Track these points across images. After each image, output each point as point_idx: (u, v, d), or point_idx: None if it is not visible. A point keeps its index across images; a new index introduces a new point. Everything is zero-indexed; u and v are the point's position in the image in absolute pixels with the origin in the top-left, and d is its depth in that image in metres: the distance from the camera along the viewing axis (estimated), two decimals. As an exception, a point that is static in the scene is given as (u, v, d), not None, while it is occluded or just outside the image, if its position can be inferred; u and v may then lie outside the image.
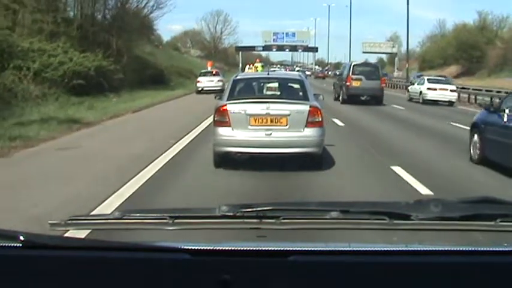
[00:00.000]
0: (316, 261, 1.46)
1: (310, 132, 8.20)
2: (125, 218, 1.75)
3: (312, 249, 1.54)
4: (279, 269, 1.43)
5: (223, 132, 8.27)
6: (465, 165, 9.24)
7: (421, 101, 26.75)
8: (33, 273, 1.44)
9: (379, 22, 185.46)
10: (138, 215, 1.81)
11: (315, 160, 8.38)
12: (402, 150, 11.05)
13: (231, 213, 1.69)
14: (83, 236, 1.73)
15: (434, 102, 25.56)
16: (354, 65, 25.45)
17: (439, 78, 30.42)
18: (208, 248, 1.50)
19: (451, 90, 26.59)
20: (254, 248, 1.52)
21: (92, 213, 5.18)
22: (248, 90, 9.25)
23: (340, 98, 24.80)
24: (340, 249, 1.58)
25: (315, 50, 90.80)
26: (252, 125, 8.21)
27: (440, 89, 26.41)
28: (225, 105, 8.39)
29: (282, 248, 1.52)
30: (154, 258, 1.47)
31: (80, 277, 1.43)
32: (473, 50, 62.06)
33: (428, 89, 26.62)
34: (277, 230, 1.68)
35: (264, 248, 1.53)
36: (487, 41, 62.75)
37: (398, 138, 13.29)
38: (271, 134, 8.17)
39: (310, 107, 8.30)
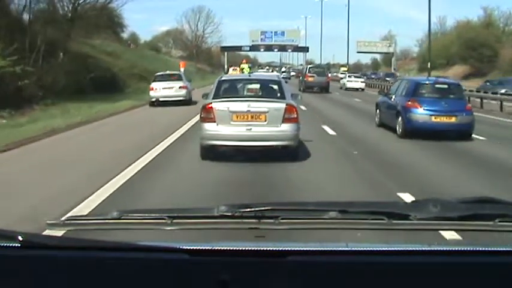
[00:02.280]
0: (315, 261, 1.55)
1: (286, 127, 9.99)
2: (123, 218, 1.86)
3: (311, 249, 1.64)
4: (278, 269, 1.52)
5: (209, 127, 10.06)
6: (371, 127, 17.05)
7: (344, 88, 47.97)
8: (31, 273, 1.53)
9: (369, 23, 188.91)
10: (136, 215, 1.93)
11: (291, 152, 10.16)
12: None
13: (230, 213, 1.79)
14: (81, 236, 1.79)
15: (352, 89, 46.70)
16: (309, 67, 45.33)
17: (355, 74, 54.72)
18: (207, 248, 1.61)
19: (361, 82, 49.09)
20: (253, 248, 1.62)
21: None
22: (231, 90, 11.08)
23: (301, 88, 39.37)
24: (339, 249, 1.69)
25: (305, 50, 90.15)
26: (234, 121, 9.99)
27: (355, 81, 49.13)
28: (211, 103, 10.22)
29: (280, 248, 1.61)
30: (152, 258, 1.57)
31: (78, 277, 1.53)
32: (484, 48, 60.38)
33: (348, 81, 49.44)
34: (276, 230, 1.80)
35: (262, 248, 1.62)
36: (496, 39, 62.27)
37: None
38: (251, 129, 9.95)
39: (286, 104, 10.14)
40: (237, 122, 10.00)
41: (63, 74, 27.19)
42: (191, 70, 63.39)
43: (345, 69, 72.28)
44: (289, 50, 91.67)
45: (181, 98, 24.88)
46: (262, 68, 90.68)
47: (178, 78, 26.48)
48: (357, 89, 46.29)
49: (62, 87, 25.87)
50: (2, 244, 1.60)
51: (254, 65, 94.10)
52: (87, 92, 28.03)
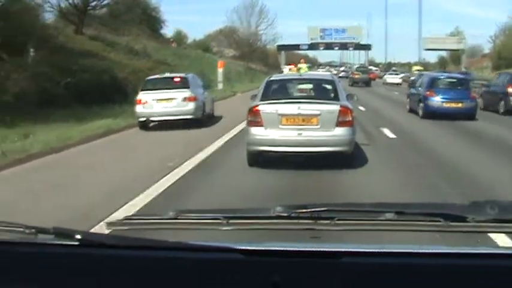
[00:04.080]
0: (370, 263, 1.60)
1: (340, 132, 9.65)
2: (179, 218, 1.98)
3: (366, 250, 1.68)
4: (331, 270, 1.57)
5: (256, 131, 9.82)
6: (404, 112, 22.58)
7: (383, 83, 58.79)
8: (88, 270, 1.64)
9: (431, 21, 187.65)
10: (192, 215, 2.06)
11: (346, 158, 9.80)
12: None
13: (286, 214, 1.88)
14: (138, 236, 1.85)
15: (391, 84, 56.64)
16: (356, 67, 63.67)
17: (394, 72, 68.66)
18: (262, 248, 1.68)
19: (398, 78, 60.17)
20: (307, 249, 1.68)
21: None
22: (281, 90, 10.85)
23: (350, 83, 51.01)
24: (395, 250, 1.72)
25: (368, 47, 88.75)
26: (283, 125, 9.70)
27: (393, 77, 61.53)
28: (258, 105, 9.98)
29: (335, 250, 1.66)
30: (207, 258, 1.66)
31: (134, 275, 1.62)
32: None
33: (387, 77, 61.91)
34: (332, 231, 1.86)
35: (317, 249, 1.68)
36: None
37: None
38: (302, 133, 9.64)
39: (340, 106, 9.80)
40: (286, 126, 9.73)
41: (26, 77, 20.77)
42: (239, 70, 62.86)
43: (419, 68, 73.65)
44: (351, 48, 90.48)
45: (187, 116, 17.22)
46: (322, 68, 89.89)
47: (182, 84, 17.94)
48: (396, 84, 57.25)
49: (23, 95, 19.58)
50: (61, 242, 1.71)
51: (313, 64, 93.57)
52: (59, 104, 20.56)
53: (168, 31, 72.36)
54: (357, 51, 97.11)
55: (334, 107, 9.82)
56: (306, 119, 9.73)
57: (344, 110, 9.79)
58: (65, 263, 1.67)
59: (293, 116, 9.74)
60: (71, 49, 28.90)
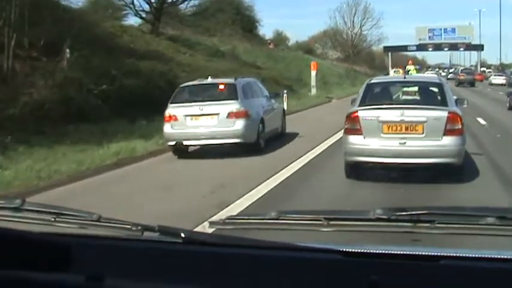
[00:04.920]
0: (469, 267, 1.61)
1: (448, 141, 8.78)
2: (280, 218, 2.02)
3: (465, 255, 1.69)
4: (430, 273, 1.58)
5: (355, 140, 9.11)
6: (504, 109, 24.56)
7: (489, 83, 62.73)
8: (192, 267, 1.71)
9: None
10: (293, 215, 2.07)
11: (454, 171, 8.93)
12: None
13: (386, 217, 1.88)
14: (239, 235, 1.91)
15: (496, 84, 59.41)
16: (461, 69, 72.11)
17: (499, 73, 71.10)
18: (361, 250, 1.70)
19: (502, 79, 62.01)
20: (407, 253, 1.68)
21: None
22: (382, 95, 10.10)
23: (456, 83, 57.27)
24: (495, 256, 1.69)
25: (480, 48, 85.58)
26: (385, 133, 8.96)
27: (498, 78, 63.85)
28: (356, 111, 9.25)
29: (433, 253, 1.66)
30: (307, 257, 1.71)
31: (235, 273, 1.68)
32: None
33: (493, 78, 65.34)
34: (431, 234, 1.87)
35: (416, 253, 1.68)
36: None
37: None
38: (405, 142, 8.85)
39: (449, 113, 8.92)
40: (388, 135, 8.97)
41: (49, 85, 16.87)
42: (340, 73, 61.15)
43: None
44: (461, 49, 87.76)
45: (233, 140, 12.62)
46: (431, 70, 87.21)
47: (228, 93, 13.16)
48: (501, 84, 59.60)
49: (39, 107, 15.57)
50: (167, 240, 1.83)
51: (422, 66, 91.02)
52: (90, 117, 16.66)
53: (266, 32, 70.68)
54: (468, 52, 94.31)
55: (442, 113, 8.96)
56: (409, 127, 8.93)
57: (453, 117, 8.91)
58: (168, 259, 1.76)
59: (395, 123, 8.97)
60: (131, 49, 25.39)
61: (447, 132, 8.81)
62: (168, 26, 38.75)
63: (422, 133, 8.86)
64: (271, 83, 27.75)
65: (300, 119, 19.34)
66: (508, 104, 25.10)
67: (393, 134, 8.95)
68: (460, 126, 8.91)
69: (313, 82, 36.84)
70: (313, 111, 26.06)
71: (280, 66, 45.27)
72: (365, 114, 9.16)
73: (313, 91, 36.08)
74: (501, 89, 45.91)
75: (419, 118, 8.92)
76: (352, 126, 9.20)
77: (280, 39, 70.24)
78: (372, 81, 10.57)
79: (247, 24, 54.68)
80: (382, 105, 9.39)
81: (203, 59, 32.42)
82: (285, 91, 24.05)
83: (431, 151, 8.80)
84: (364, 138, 9.06)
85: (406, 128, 8.93)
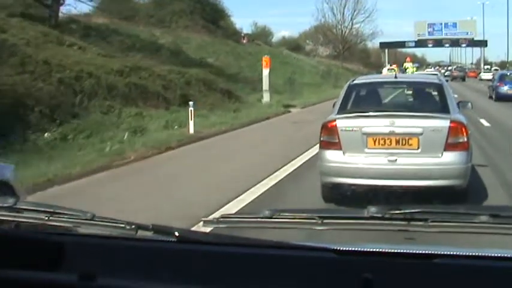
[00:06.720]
0: (463, 266, 1.68)
1: (450, 158, 7.31)
2: (274, 217, 2.03)
3: (459, 253, 1.73)
4: (424, 272, 1.64)
5: (332, 157, 7.64)
6: (486, 98, 33.83)
7: (479, 79, 73.14)
8: (185, 266, 1.79)
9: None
10: (287, 214, 2.07)
11: (458, 195, 7.40)
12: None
13: (379, 215, 1.92)
14: (233, 234, 1.94)
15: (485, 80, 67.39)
16: (454, 67, 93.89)
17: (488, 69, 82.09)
18: (356, 248, 1.77)
19: (491, 74, 64.97)
20: (401, 251, 1.74)
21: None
22: (367, 99, 8.63)
23: (451, 78, 66.80)
24: (489, 254, 1.75)
25: (483, 44, 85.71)
26: (370, 148, 7.50)
27: (487, 74, 71.58)
28: (334, 120, 7.72)
29: (427, 252, 1.71)
30: (301, 256, 1.77)
31: (229, 272, 1.76)
32: None
33: (482, 74, 75.02)
34: (425, 232, 1.91)
35: (410, 251, 1.73)
36: None
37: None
38: (396, 160, 7.40)
39: (451, 122, 7.40)
40: (374, 150, 7.46)
41: None
42: (325, 71, 58.10)
43: None
44: (463, 45, 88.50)
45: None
46: (430, 68, 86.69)
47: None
48: (489, 80, 69.25)
49: None
50: (161, 238, 1.90)
51: (422, 64, 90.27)
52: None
53: (243, 26, 65.91)
54: (469, 49, 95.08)
55: (442, 123, 7.42)
56: (401, 140, 7.43)
57: (456, 127, 7.38)
58: (162, 258, 1.83)
59: (383, 135, 7.46)
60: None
61: (449, 146, 7.32)
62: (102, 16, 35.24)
63: (418, 148, 7.40)
64: (198, 86, 23.19)
65: (186, 159, 12.91)
66: (488, 94, 34.23)
67: (381, 149, 7.46)
68: (465, 139, 7.38)
69: (265, 85, 27.86)
70: (233, 137, 16.82)
71: (244, 64, 40.73)
72: (345, 123, 7.64)
73: (266, 97, 27.55)
74: (489, 83, 58.95)
75: (414, 129, 7.42)
76: (329, 138, 7.66)
77: (258, 34, 65.49)
78: (355, 82, 8.98)
79: (210, 15, 48.04)
80: (366, 112, 7.87)
81: (108, 55, 23.92)
82: (191, 103, 16.69)
83: (429, 171, 7.31)
84: (343, 154, 7.58)
85: (397, 142, 7.45)
